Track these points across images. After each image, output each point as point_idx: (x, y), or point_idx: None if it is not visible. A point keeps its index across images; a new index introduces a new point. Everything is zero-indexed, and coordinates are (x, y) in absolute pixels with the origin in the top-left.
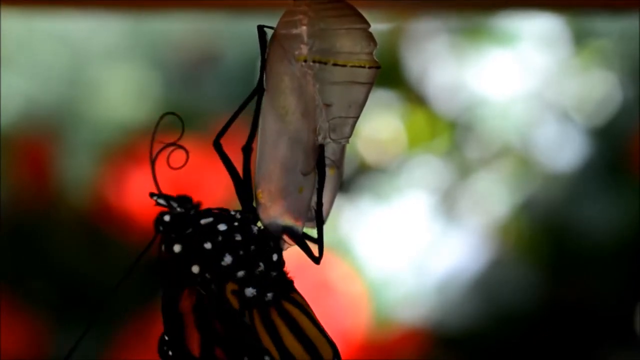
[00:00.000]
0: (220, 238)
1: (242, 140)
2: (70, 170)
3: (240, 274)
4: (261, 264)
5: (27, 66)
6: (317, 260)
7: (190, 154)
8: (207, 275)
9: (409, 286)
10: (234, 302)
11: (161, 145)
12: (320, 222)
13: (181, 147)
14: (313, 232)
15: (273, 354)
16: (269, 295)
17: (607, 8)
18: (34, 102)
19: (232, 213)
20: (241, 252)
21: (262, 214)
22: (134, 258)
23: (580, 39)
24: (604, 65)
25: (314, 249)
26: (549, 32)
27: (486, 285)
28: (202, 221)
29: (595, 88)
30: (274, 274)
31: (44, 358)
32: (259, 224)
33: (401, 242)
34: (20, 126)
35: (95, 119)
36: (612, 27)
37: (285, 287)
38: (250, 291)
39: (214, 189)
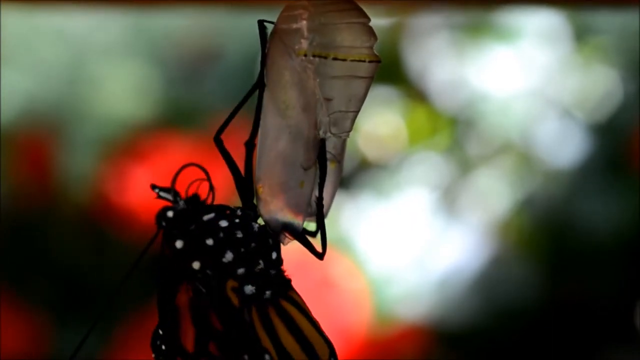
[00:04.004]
0: (221, 235)
1: (243, 136)
2: (71, 168)
3: (241, 271)
4: (261, 261)
5: (28, 63)
6: (320, 255)
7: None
8: (208, 271)
9: (410, 283)
10: (234, 299)
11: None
12: (321, 217)
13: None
14: (314, 227)
15: (271, 352)
16: (268, 293)
17: (607, 4)
18: (35, 99)
19: (233, 209)
20: (242, 250)
21: (262, 209)
22: (134, 255)
23: (581, 35)
24: (604, 62)
25: (316, 244)
26: (549, 28)
27: (487, 282)
28: (205, 217)
29: (596, 84)
30: (273, 272)
31: (44, 355)
32: (260, 220)
33: (402, 239)
34: (21, 123)
35: (96, 115)
36: (612, 23)
37: (283, 285)
38: (249, 289)
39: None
